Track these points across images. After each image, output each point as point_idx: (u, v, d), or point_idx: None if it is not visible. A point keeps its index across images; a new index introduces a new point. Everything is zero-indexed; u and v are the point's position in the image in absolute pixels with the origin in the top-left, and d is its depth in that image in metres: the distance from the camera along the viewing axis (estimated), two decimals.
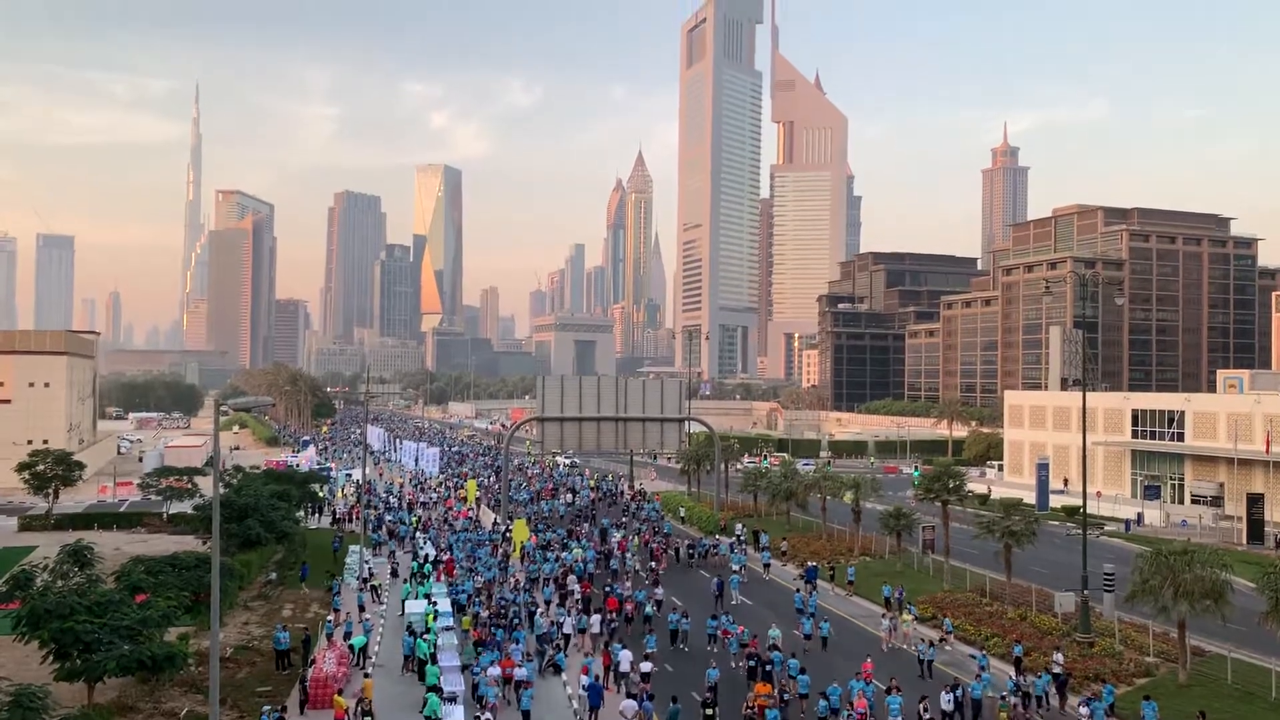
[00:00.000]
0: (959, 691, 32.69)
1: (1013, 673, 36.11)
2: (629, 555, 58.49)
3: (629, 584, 49.16)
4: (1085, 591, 43.27)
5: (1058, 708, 33.98)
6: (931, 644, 39.51)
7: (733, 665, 37.62)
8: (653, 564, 56.93)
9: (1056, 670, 35.88)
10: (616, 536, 62.84)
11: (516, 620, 42.52)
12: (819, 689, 32.55)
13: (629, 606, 44.43)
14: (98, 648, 30.34)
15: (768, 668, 35.38)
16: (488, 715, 28.83)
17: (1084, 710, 31.63)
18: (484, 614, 43.66)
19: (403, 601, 47.11)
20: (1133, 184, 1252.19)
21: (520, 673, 33.52)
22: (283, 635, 38.60)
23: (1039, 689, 33.83)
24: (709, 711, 29.94)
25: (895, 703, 31.26)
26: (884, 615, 44.67)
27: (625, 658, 36.36)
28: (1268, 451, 76.21)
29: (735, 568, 55.17)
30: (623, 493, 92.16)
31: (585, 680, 33.52)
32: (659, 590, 48.35)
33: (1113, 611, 44.64)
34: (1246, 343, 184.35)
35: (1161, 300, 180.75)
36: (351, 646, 39.01)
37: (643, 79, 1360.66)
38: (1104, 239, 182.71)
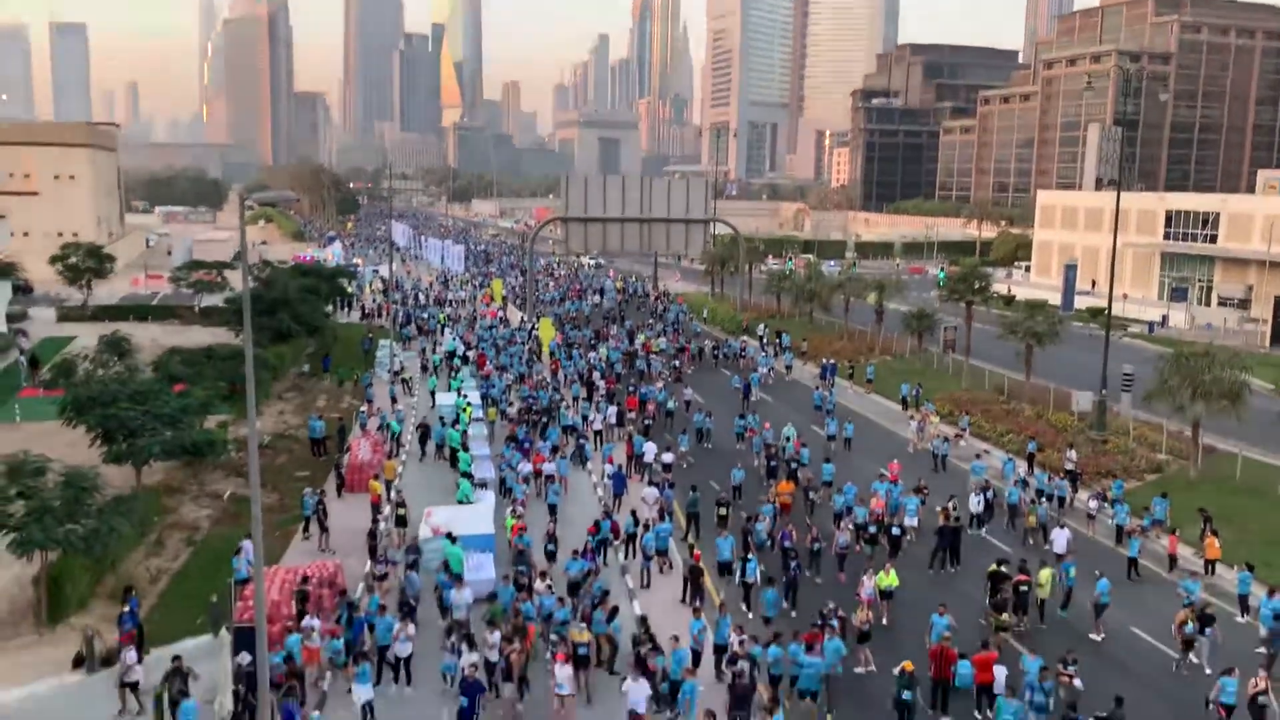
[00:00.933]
0: (989, 493, 32.62)
1: (1023, 469, 37.07)
2: (655, 356, 59.00)
3: (659, 385, 49.31)
4: (1104, 391, 43.83)
5: (1068, 502, 34.74)
6: (946, 439, 40.45)
7: (756, 464, 38.08)
8: (676, 363, 57.72)
9: (1069, 467, 36.80)
10: (641, 338, 63.35)
11: (546, 419, 42.90)
12: (839, 487, 32.78)
13: (650, 406, 44.87)
14: (141, 434, 31.60)
15: (792, 465, 35.79)
16: (519, 509, 29.51)
17: (1093, 504, 32.58)
18: (511, 411, 44.50)
19: (431, 393, 48.35)
20: None
21: (549, 467, 34.09)
22: (318, 424, 40.00)
23: (1062, 491, 33.84)
24: (723, 511, 30.38)
25: (913, 504, 31.06)
26: (911, 417, 44.80)
27: (649, 449, 37.51)
28: None
29: (762, 369, 55.77)
30: (649, 294, 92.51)
31: (610, 469, 34.78)
32: (688, 391, 48.60)
33: (1129, 411, 45.31)
34: None
35: (1208, 97, 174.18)
36: (387, 427, 40.44)
37: None
38: (1154, 30, 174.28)
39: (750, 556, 26.06)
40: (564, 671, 19.88)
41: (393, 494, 32.21)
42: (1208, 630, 23.23)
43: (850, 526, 29.30)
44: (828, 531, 29.35)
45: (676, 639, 20.99)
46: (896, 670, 19.95)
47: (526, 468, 34.53)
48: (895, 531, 29.33)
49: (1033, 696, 19.33)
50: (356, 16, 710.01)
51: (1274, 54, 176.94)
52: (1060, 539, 28.31)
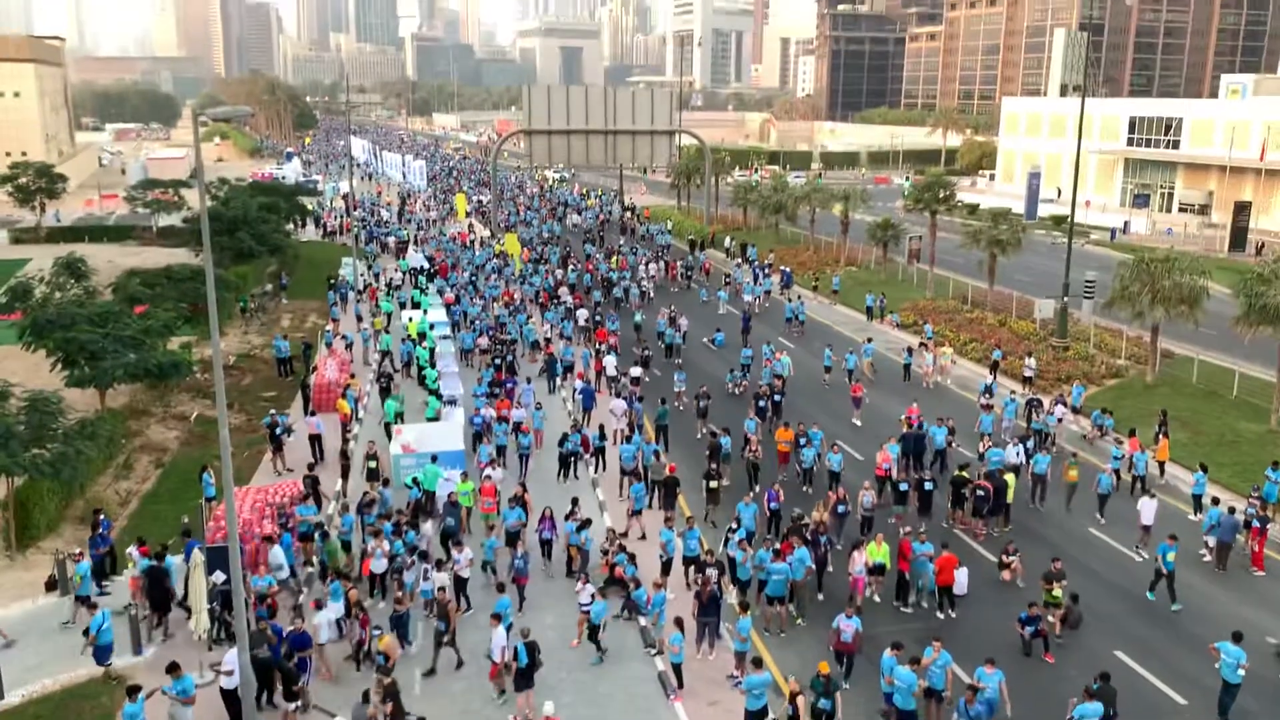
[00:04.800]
0: (1029, 443, 28.92)
1: (989, 377, 37.59)
2: (642, 278, 55.33)
3: (664, 314, 45.36)
4: (1065, 298, 44.31)
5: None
6: (910, 350, 40.78)
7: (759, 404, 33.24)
8: (643, 278, 55.73)
9: (1028, 375, 37.39)
10: (615, 259, 60.19)
11: (513, 356, 39.79)
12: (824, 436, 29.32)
13: (614, 339, 42.05)
14: (104, 356, 31.23)
15: (776, 399, 33.32)
16: (491, 471, 26.41)
17: (1059, 409, 32.67)
18: (483, 343, 41.31)
19: (387, 315, 47.90)
20: None
21: (518, 414, 31.20)
22: (283, 344, 39.72)
23: (1050, 427, 31.15)
24: (712, 484, 26.31)
25: (940, 433, 28.79)
26: (927, 351, 40.60)
27: (610, 363, 37.63)
28: (1262, 159, 75.62)
29: (747, 297, 51.21)
30: (629, 209, 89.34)
31: (579, 384, 34.90)
32: (684, 321, 44.32)
33: (1090, 317, 45.93)
34: (1255, 45, 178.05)
35: (1173, 0, 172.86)
36: (350, 346, 40.06)
37: None
38: None
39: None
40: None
41: (365, 446, 29.98)
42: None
43: (872, 485, 25.98)
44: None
45: (657, 584, 20.43)
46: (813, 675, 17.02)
47: (490, 413, 30.81)
48: (929, 486, 26.16)
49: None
50: None
51: None
52: (1148, 509, 24.43)
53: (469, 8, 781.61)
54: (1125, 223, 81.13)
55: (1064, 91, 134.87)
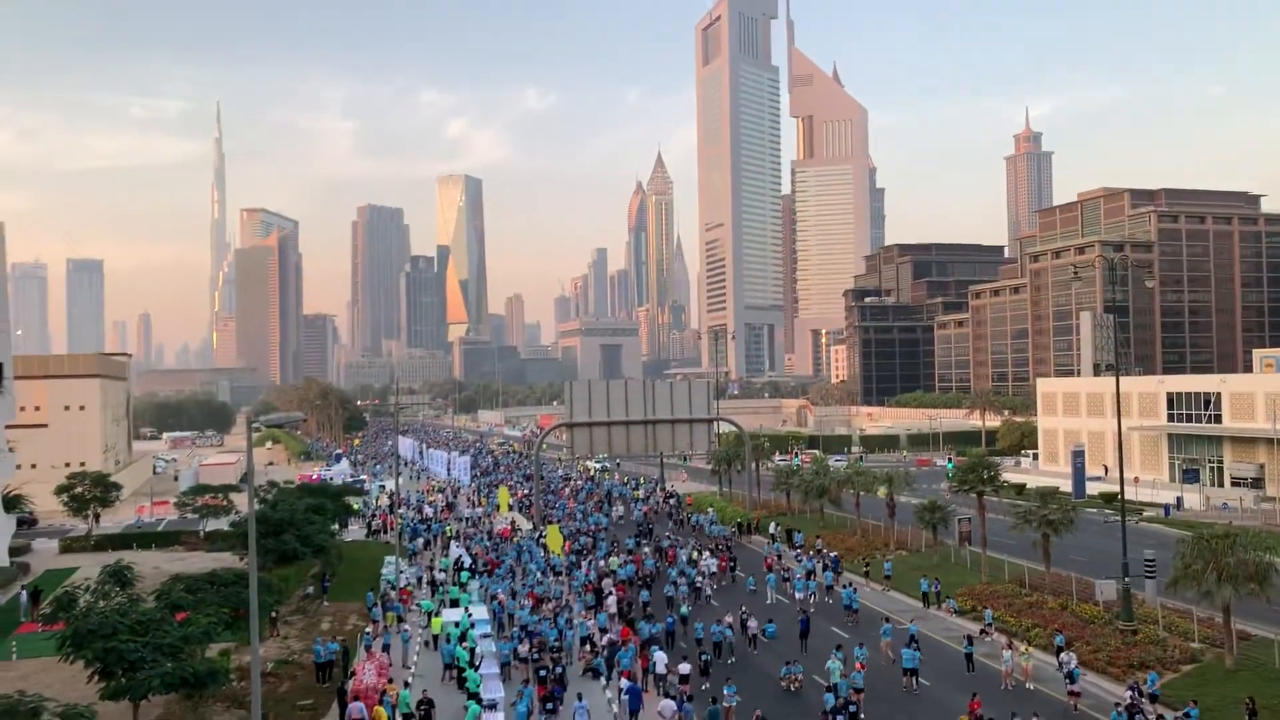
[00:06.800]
0: None
1: (1056, 662, 35.71)
2: (702, 577, 52.58)
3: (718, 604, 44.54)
4: (1126, 579, 42.75)
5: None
6: (970, 638, 39.05)
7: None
8: (699, 574, 53.31)
9: (1072, 668, 35.17)
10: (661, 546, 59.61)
11: (561, 668, 36.65)
12: None
13: (634, 640, 39.65)
14: (141, 666, 30.60)
15: (852, 708, 31.03)
16: None
17: (1128, 694, 30.79)
18: (522, 649, 39.31)
19: (428, 614, 46.81)
20: (1159, 164, 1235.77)
21: None
22: (325, 647, 38.85)
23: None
24: None
25: None
26: (1003, 648, 37.58)
27: (660, 659, 36.19)
28: None
29: (799, 595, 48.53)
30: (667, 501, 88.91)
31: (625, 684, 33.46)
32: (753, 623, 42.59)
33: (1155, 598, 44.04)
34: None
35: (1193, 281, 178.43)
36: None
37: (658, 80, 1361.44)
38: (1131, 222, 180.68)
39: None
40: None
41: (397, 714, 29.51)
42: None
43: None
44: None
45: None
46: None
47: None
48: None
49: None
50: (365, 242, 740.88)
51: (1252, 238, 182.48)
52: None
53: (514, 313, 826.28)
54: (1178, 498, 79.63)
55: (1097, 370, 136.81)
